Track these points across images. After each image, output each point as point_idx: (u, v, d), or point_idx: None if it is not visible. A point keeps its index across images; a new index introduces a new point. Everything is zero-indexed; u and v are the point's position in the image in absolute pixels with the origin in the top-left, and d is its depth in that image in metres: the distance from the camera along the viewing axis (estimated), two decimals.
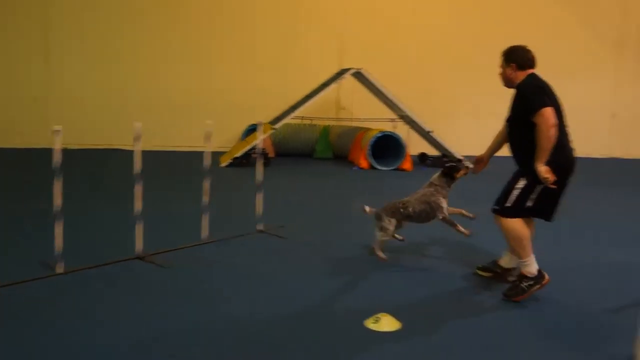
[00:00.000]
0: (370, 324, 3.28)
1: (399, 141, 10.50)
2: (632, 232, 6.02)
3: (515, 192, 3.79)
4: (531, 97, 3.72)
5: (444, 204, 4.46)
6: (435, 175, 4.57)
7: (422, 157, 11.57)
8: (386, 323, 3.27)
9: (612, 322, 3.52)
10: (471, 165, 4.46)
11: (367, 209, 4.60)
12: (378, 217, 4.56)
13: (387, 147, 10.65)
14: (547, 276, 3.80)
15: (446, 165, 4.67)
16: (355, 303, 3.65)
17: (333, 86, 10.76)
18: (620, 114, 13.40)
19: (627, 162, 13.04)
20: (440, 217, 4.46)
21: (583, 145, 13.49)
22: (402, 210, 4.49)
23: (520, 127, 3.83)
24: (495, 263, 4.27)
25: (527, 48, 3.92)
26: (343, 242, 5.11)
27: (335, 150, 12.05)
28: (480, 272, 4.30)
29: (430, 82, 12.79)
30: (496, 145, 4.27)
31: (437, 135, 10.98)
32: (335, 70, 11.46)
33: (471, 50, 12.57)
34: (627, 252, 5.16)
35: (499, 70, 4.00)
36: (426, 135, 11.13)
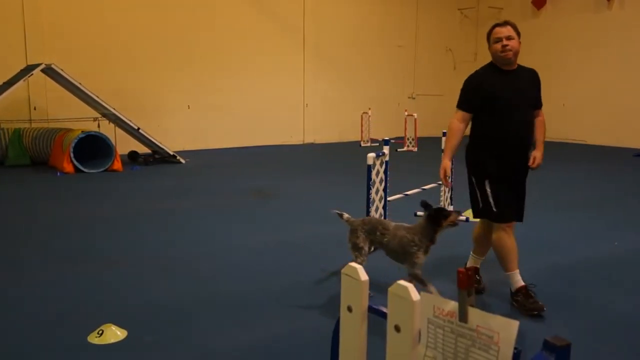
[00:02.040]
0: (93, 338, 3.10)
1: (106, 141, 9.95)
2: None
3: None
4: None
5: (420, 260, 3.58)
6: (420, 220, 3.67)
7: (133, 156, 11.21)
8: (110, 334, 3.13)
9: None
10: (462, 216, 3.93)
11: (345, 215, 3.92)
12: (352, 230, 3.81)
13: (93, 148, 9.99)
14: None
15: (433, 209, 3.60)
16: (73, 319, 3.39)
17: (21, 84, 9.62)
18: (311, 102, 15.04)
19: (320, 146, 14.76)
20: (410, 272, 3.58)
21: (283, 135, 14.51)
22: (378, 234, 3.72)
23: (533, 111, 3.78)
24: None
25: None
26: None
27: (33, 156, 10.81)
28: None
29: (135, 78, 12.40)
30: (458, 148, 3.84)
31: (147, 132, 10.76)
32: (21, 66, 10.26)
33: (177, 45, 12.58)
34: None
35: (510, 41, 3.66)
36: (135, 132, 10.80)
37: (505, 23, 3.75)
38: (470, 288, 1.41)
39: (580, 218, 6.50)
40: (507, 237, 3.69)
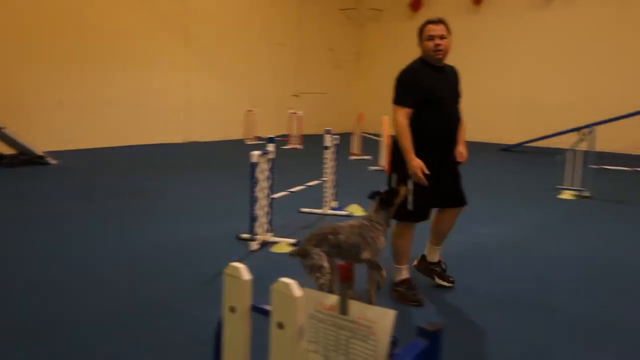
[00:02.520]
0: None
1: None
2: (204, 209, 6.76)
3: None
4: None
5: (382, 244, 3.55)
6: (371, 209, 3.61)
7: None
8: None
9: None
10: (410, 186, 3.70)
11: (290, 251, 3.65)
12: (304, 254, 3.42)
13: None
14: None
15: (383, 192, 3.61)
16: None
17: None
18: (193, 100, 14.68)
19: (204, 144, 14.46)
20: (367, 257, 3.48)
21: (165, 133, 13.98)
22: (331, 237, 3.43)
23: (458, 107, 3.92)
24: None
25: None
26: None
27: None
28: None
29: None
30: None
31: (12, 132, 9.90)
32: None
33: (46, 37, 11.67)
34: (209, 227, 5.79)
35: (443, 40, 3.68)
36: None
37: (439, 21, 3.74)
38: (351, 282, 1.45)
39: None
40: (408, 235, 3.86)
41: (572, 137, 9.62)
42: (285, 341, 1.50)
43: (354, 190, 7.86)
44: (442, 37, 3.68)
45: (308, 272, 3.37)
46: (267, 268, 4.36)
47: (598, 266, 4.76)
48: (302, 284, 1.52)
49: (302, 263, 3.42)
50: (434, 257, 4.15)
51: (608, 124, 11.45)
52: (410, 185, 3.70)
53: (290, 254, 3.57)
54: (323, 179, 6.45)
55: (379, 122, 10.12)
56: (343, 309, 1.39)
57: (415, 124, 3.69)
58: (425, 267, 4.18)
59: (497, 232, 5.82)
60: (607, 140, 11.53)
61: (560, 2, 14.05)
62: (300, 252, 3.45)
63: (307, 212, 6.38)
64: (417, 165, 3.61)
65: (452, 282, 4.10)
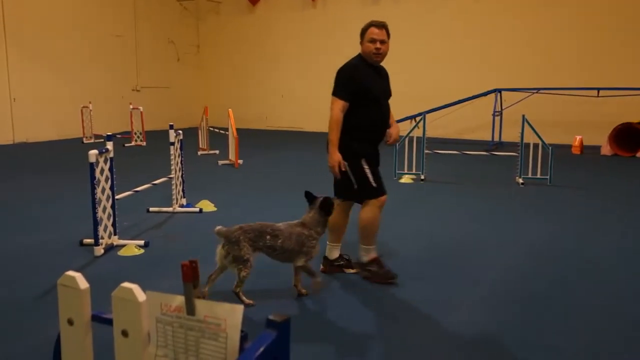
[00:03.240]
0: None
1: None
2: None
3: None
4: None
5: (317, 251, 3.72)
6: (309, 213, 3.72)
7: None
8: None
9: None
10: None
11: (217, 228, 3.51)
12: (232, 241, 3.44)
13: None
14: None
15: (323, 198, 3.74)
16: None
17: None
18: (19, 97, 13.34)
19: (35, 145, 13.23)
20: (302, 265, 3.65)
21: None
22: (268, 237, 3.52)
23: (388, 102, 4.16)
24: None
25: None
26: None
27: None
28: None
29: None
30: None
31: None
32: None
33: None
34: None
35: (383, 45, 3.93)
36: None
37: (382, 26, 3.95)
38: (196, 280, 1.41)
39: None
40: (378, 213, 4.02)
41: (407, 125, 10.38)
42: (131, 349, 1.43)
43: (204, 186, 7.74)
44: (382, 42, 3.94)
45: (230, 261, 3.46)
46: (113, 273, 4.13)
47: (436, 241, 5.18)
48: (146, 287, 1.45)
49: (226, 248, 3.46)
50: (336, 254, 4.27)
51: (438, 113, 12.53)
52: (365, 168, 3.96)
53: (219, 233, 3.52)
54: (170, 176, 6.24)
55: (223, 115, 10.03)
56: (190, 310, 1.35)
57: (356, 119, 3.93)
58: (331, 265, 4.27)
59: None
60: (438, 127, 12.62)
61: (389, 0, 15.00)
62: (230, 238, 3.47)
63: (156, 212, 6.13)
64: (336, 159, 3.88)
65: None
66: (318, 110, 16.10)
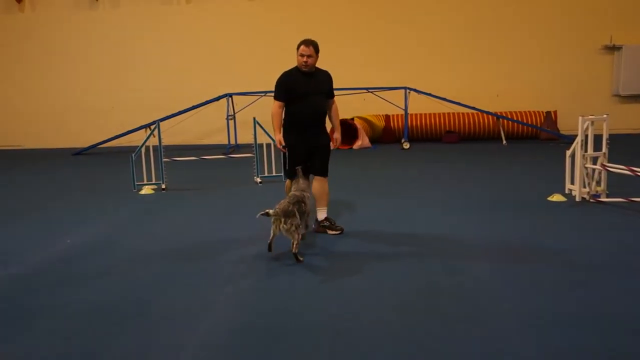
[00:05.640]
0: None
1: None
2: None
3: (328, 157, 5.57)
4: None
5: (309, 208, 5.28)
6: (299, 183, 5.23)
7: None
8: None
9: None
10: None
11: (271, 211, 4.64)
12: (290, 215, 4.66)
13: None
14: None
15: (304, 167, 5.39)
16: None
17: None
18: None
19: None
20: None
21: None
22: (302, 204, 4.93)
23: (325, 101, 5.51)
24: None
25: None
26: None
27: None
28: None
29: None
30: (281, 125, 5.48)
31: None
32: None
33: None
34: None
35: (309, 58, 5.29)
36: None
37: (309, 43, 5.28)
38: None
39: (20, 224, 6.40)
40: (325, 183, 5.56)
41: (143, 134, 10.10)
42: None
43: None
44: (309, 56, 5.29)
45: (292, 229, 4.62)
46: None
47: (179, 246, 5.18)
48: None
49: (287, 222, 4.61)
50: (321, 216, 5.61)
51: (174, 120, 12.44)
52: (289, 148, 5.46)
53: (274, 214, 4.63)
54: None
55: None
56: None
57: (289, 114, 5.43)
58: (318, 225, 5.62)
59: (88, 233, 5.66)
60: (176, 134, 12.55)
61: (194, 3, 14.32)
62: (287, 213, 4.65)
63: None
64: (278, 139, 5.45)
65: (341, 229, 5.58)
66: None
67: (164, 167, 8.27)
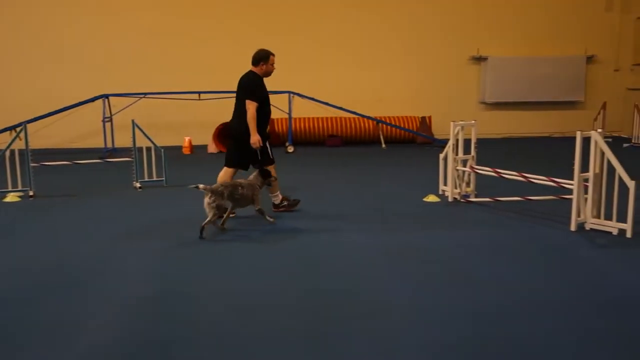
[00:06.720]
0: None
1: None
2: None
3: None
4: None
5: (260, 196, 5.95)
6: (254, 176, 5.94)
7: None
8: None
9: None
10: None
11: (201, 186, 5.39)
12: (219, 194, 5.45)
13: None
14: None
15: (262, 170, 6.05)
16: None
17: None
18: None
19: None
20: (258, 208, 5.88)
21: None
22: (240, 189, 5.63)
23: (243, 105, 6.19)
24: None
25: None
26: None
27: None
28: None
29: None
30: None
31: None
32: None
33: None
34: None
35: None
36: None
37: (272, 55, 6.29)
38: None
39: None
40: (274, 172, 6.32)
41: (7, 137, 9.30)
42: None
43: None
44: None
45: (213, 208, 5.34)
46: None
47: (61, 263, 4.82)
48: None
49: (212, 199, 5.33)
50: (277, 200, 6.57)
51: (42, 122, 11.58)
52: (267, 146, 6.31)
53: (206, 189, 5.36)
54: None
55: None
56: None
57: (259, 115, 6.12)
58: (278, 207, 6.56)
59: None
60: (44, 137, 11.70)
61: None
62: (218, 192, 5.39)
63: None
64: (257, 139, 6.06)
65: (297, 201, 6.67)
66: None
67: (31, 173, 7.66)
